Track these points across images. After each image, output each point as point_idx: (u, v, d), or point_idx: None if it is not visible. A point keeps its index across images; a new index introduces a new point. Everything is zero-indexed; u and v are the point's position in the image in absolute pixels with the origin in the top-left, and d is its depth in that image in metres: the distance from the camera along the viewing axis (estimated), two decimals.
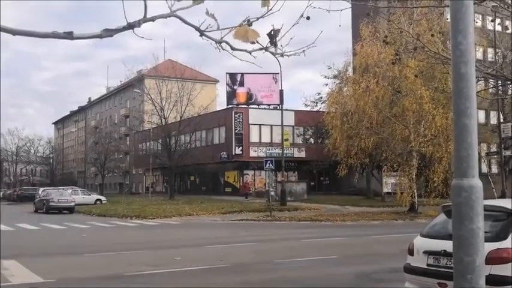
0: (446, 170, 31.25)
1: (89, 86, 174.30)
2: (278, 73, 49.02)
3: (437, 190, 30.85)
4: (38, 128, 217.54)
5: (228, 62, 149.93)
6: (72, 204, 40.29)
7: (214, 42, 3.52)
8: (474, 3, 5.45)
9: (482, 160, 40.54)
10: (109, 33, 3.14)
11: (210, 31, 3.43)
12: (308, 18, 4.07)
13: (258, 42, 3.61)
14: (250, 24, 3.50)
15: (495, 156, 41.80)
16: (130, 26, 3.13)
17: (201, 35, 3.43)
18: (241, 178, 57.18)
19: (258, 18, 3.53)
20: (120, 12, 3.10)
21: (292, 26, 3.74)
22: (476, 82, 4.99)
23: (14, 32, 3.08)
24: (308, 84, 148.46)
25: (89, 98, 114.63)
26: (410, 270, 7.95)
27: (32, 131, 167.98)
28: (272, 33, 3.69)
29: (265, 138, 55.58)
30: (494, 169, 45.15)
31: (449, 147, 30.38)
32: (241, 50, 3.65)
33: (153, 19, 3.22)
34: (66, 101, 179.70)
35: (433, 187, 31.14)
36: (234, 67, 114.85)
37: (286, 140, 44.41)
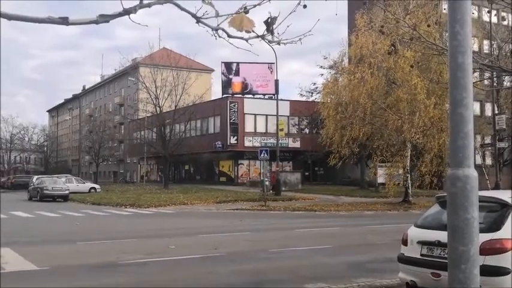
0: (435, 161, 31.27)
1: (83, 75, 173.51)
2: (273, 63, 48.89)
3: (427, 181, 30.95)
4: (31, 116, 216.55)
5: (219, 52, 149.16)
6: (67, 192, 40.21)
7: (210, 29, 3.50)
8: None
9: (477, 152, 40.60)
10: (105, 18, 3.11)
11: (206, 18, 3.41)
12: (305, 6, 4.06)
13: (253, 31, 3.58)
14: (247, 12, 3.47)
15: (489, 148, 41.87)
16: (127, 12, 3.10)
17: (197, 22, 3.41)
18: (235, 168, 57.15)
19: (255, 6, 3.51)
20: (111, 3, 3.07)
21: (289, 13, 3.72)
22: (472, 73, 4.97)
23: (9, 17, 3.05)
24: (299, 75, 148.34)
25: (83, 86, 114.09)
26: (404, 260, 7.98)
27: (24, 119, 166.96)
28: (269, 21, 3.66)
29: (260, 128, 55.50)
30: (489, 161, 45.27)
31: (442, 139, 30.46)
32: (237, 38, 3.62)
33: (149, 5, 3.20)
34: (58, 89, 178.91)
35: (423, 178, 31.23)
36: (226, 58, 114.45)
37: (281, 129, 44.38)
